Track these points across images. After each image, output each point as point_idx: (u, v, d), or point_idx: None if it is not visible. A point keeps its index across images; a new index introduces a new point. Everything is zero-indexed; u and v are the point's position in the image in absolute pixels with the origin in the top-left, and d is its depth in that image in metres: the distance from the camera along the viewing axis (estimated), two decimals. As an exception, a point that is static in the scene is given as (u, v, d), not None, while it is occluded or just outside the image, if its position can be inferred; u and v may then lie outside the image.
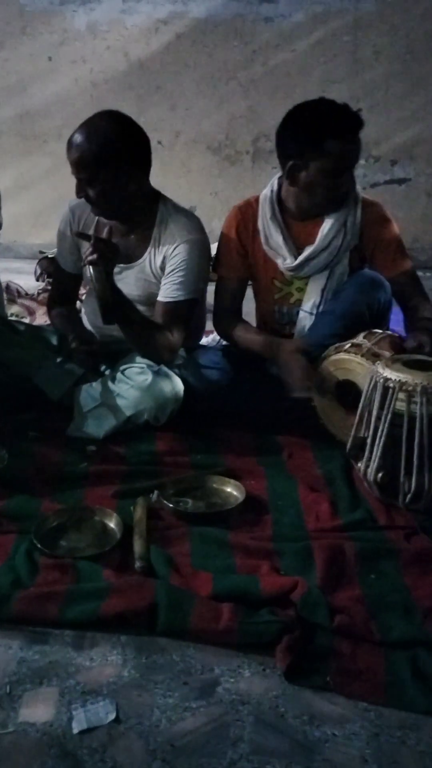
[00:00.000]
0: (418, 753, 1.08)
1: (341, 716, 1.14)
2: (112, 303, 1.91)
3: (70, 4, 4.46)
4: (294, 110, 2.03)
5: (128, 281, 2.04)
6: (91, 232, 2.15)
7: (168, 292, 2.06)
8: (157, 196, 2.13)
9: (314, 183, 1.99)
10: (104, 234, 1.97)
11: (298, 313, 2.17)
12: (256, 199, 2.18)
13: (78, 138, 1.96)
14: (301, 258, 2.09)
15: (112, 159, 1.94)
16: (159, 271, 2.09)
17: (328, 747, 1.09)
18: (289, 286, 2.18)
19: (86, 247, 2.13)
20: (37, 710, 1.14)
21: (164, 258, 2.07)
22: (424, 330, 1.98)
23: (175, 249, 2.05)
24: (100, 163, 1.94)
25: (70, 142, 1.97)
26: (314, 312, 2.12)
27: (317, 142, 1.94)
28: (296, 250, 2.11)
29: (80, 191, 2.00)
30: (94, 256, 1.86)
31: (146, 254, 2.09)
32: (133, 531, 1.54)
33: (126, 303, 1.98)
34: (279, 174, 2.15)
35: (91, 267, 1.88)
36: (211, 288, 2.30)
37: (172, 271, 2.05)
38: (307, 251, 2.08)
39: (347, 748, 1.09)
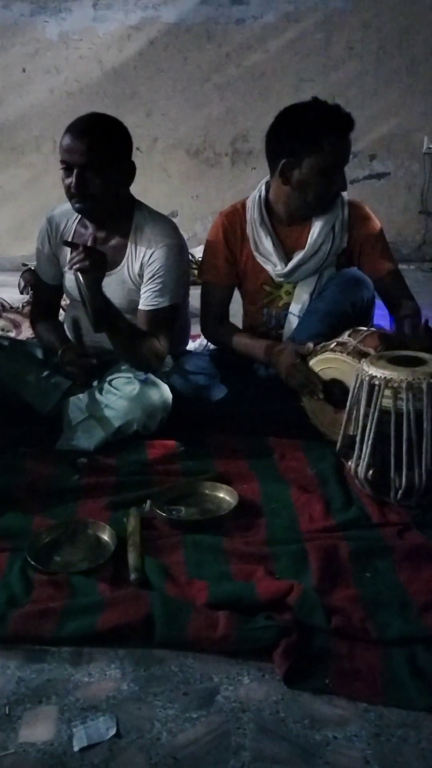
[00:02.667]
0: (420, 751, 1.08)
1: (342, 718, 1.14)
2: (103, 311, 1.90)
3: (41, 14, 4.47)
4: (286, 110, 2.05)
5: (108, 289, 2.04)
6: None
7: (149, 300, 2.06)
8: (133, 203, 2.13)
9: (307, 181, 2.00)
10: (89, 243, 1.97)
11: (286, 316, 2.17)
12: (243, 205, 2.18)
13: (87, 125, 1.98)
14: (291, 264, 2.09)
15: (118, 152, 1.99)
16: (138, 278, 2.09)
17: (329, 750, 1.09)
18: (278, 290, 2.18)
19: (66, 255, 2.13)
20: (37, 729, 1.13)
21: (141, 265, 2.07)
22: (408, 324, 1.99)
23: (152, 255, 2.05)
24: (113, 148, 1.97)
25: (75, 130, 1.97)
26: (302, 315, 2.13)
27: (312, 138, 1.96)
28: (285, 256, 2.12)
29: (80, 180, 1.96)
30: (86, 263, 1.86)
31: (124, 261, 2.09)
32: (127, 542, 1.54)
33: (114, 310, 1.98)
34: (266, 178, 2.15)
35: (80, 275, 1.87)
36: (194, 292, 2.30)
37: (151, 278, 2.06)
38: (297, 257, 2.09)
39: (349, 750, 1.09)
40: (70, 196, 2.01)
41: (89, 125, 1.99)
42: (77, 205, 2.03)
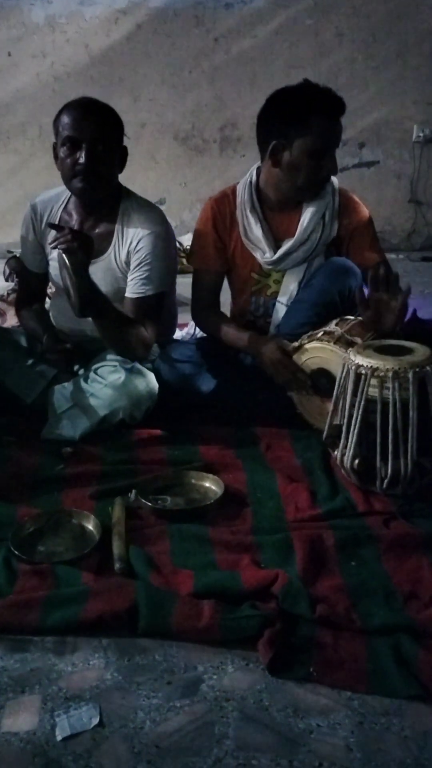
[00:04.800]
0: (402, 738, 1.09)
1: (325, 706, 1.15)
2: (89, 295, 1.89)
3: (27, -3, 4.40)
4: (277, 93, 2.03)
5: (95, 277, 2.02)
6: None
7: (136, 287, 2.05)
8: (120, 190, 2.11)
9: (297, 163, 1.99)
10: (75, 227, 1.94)
11: (274, 304, 2.16)
12: (233, 191, 2.17)
13: (90, 102, 1.99)
14: (280, 252, 2.08)
15: (118, 132, 2.01)
16: (124, 266, 2.07)
17: (312, 738, 1.09)
18: (267, 278, 2.17)
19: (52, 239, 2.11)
20: (20, 719, 1.13)
21: (128, 252, 2.05)
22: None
23: (138, 243, 2.03)
24: (116, 128, 2.00)
25: (80, 107, 1.97)
26: (290, 304, 2.12)
27: (302, 119, 1.95)
28: (275, 243, 2.10)
29: (91, 155, 1.93)
30: (73, 243, 1.84)
31: (111, 249, 2.07)
32: (112, 532, 1.53)
33: (101, 295, 1.96)
34: (257, 164, 2.13)
35: (66, 258, 1.84)
36: (182, 280, 2.29)
37: (138, 265, 2.04)
38: (287, 245, 2.08)
39: (332, 738, 1.09)
40: (73, 174, 1.97)
41: (92, 103, 2.00)
42: (81, 184, 1.98)
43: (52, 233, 1.94)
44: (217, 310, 2.26)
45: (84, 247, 1.86)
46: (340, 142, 2.08)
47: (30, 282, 2.30)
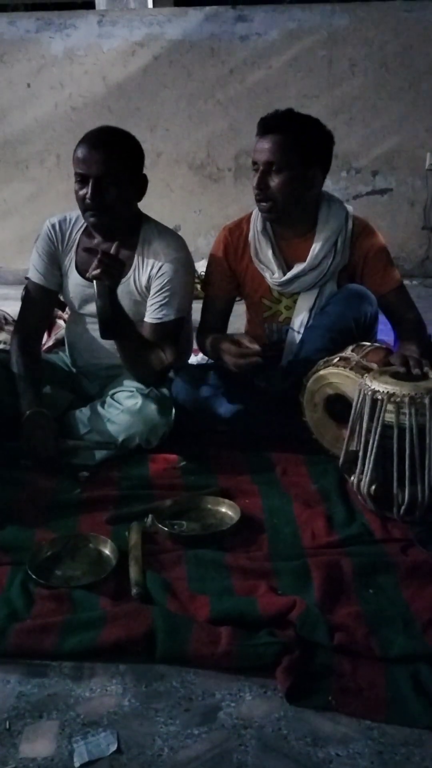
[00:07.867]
0: (423, 770, 1.08)
1: (344, 736, 1.13)
2: (113, 318, 1.90)
3: (47, 31, 4.51)
4: None
5: None
6: (73, 251, 2.13)
7: (156, 312, 2.07)
8: (140, 217, 2.14)
9: None
10: (112, 250, 1.95)
11: (287, 331, 2.18)
12: (248, 219, 2.20)
13: (103, 136, 1.99)
14: (290, 274, 2.10)
15: (132, 164, 2.01)
16: (144, 291, 2.09)
17: (332, 768, 1.08)
18: (278, 304, 2.19)
19: (68, 263, 2.12)
20: (38, 745, 1.12)
21: (149, 278, 2.07)
22: (411, 340, 1.99)
23: (160, 269, 2.05)
24: (131, 158, 2.00)
25: (91, 141, 1.96)
26: (302, 330, 2.13)
27: None
28: (286, 267, 2.13)
29: (96, 191, 1.94)
30: (98, 270, 1.86)
31: (131, 273, 2.09)
32: (129, 557, 1.53)
33: (125, 318, 1.98)
34: None
35: (95, 282, 1.87)
36: (196, 306, 2.31)
37: (159, 291, 2.06)
38: (297, 268, 2.10)
39: (352, 769, 1.08)
40: (85, 208, 1.99)
41: (105, 137, 2.00)
42: (92, 219, 2.00)
43: (71, 258, 1.94)
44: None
45: (111, 271, 1.88)
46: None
47: (35, 304, 2.19)
